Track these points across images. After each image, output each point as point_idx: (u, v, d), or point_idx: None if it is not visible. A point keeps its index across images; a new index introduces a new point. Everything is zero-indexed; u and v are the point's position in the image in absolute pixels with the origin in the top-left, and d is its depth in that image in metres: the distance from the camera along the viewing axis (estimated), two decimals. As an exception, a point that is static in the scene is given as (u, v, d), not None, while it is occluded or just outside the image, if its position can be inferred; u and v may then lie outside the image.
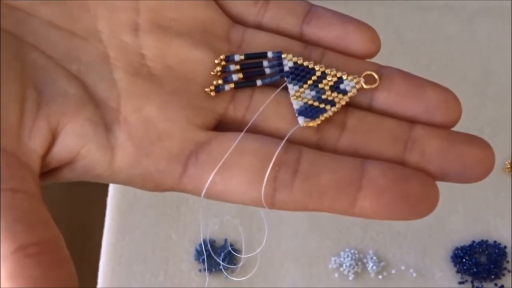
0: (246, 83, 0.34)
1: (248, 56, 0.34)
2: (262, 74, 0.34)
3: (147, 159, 0.31)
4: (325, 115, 0.33)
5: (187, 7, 0.35)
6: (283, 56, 0.34)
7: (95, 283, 0.51)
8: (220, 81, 0.34)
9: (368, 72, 0.33)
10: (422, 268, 0.52)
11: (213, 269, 0.50)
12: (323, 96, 0.34)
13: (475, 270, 0.52)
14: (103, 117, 0.31)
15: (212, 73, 0.34)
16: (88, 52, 0.32)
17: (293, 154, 0.32)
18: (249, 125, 0.33)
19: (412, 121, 0.32)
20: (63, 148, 0.30)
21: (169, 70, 0.33)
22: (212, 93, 0.34)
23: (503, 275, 0.53)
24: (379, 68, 0.34)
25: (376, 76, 0.34)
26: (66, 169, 0.31)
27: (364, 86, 0.34)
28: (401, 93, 0.33)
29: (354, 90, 0.34)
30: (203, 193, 0.32)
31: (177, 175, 0.32)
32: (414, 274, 0.52)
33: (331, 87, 0.34)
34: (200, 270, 0.50)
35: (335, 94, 0.34)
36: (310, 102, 0.34)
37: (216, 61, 0.34)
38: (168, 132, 0.32)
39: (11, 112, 0.29)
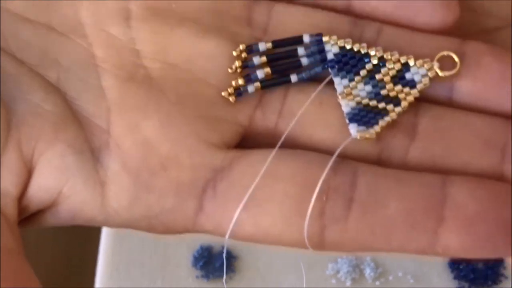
0: (277, 80, 0.26)
1: (277, 44, 0.26)
2: (297, 67, 0.27)
3: (149, 195, 0.25)
4: (387, 119, 0.25)
5: None
6: (324, 39, 0.26)
7: (92, 282, 0.51)
8: (241, 81, 0.26)
9: (445, 53, 0.26)
10: (419, 275, 0.51)
11: (211, 275, 0.49)
12: (383, 92, 0.26)
13: (472, 276, 0.51)
14: (88, 141, 0.26)
15: (229, 70, 0.27)
16: (69, 53, 0.27)
17: (345, 176, 0.25)
18: (283, 138, 0.26)
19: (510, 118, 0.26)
20: (41, 187, 0.25)
21: (172, 70, 0.27)
22: (231, 98, 0.26)
23: (500, 281, 0.51)
24: (459, 46, 0.26)
25: (456, 58, 0.26)
26: (49, 213, 0.26)
27: (440, 74, 0.26)
28: (493, 80, 0.26)
29: (426, 80, 0.26)
30: (227, 236, 0.25)
31: (191, 213, 0.26)
32: (412, 281, 0.51)
33: (393, 78, 0.26)
34: (197, 277, 0.49)
35: (399, 87, 0.26)
36: (365, 101, 0.26)
37: (235, 53, 0.27)
38: (174, 157, 0.26)
39: None
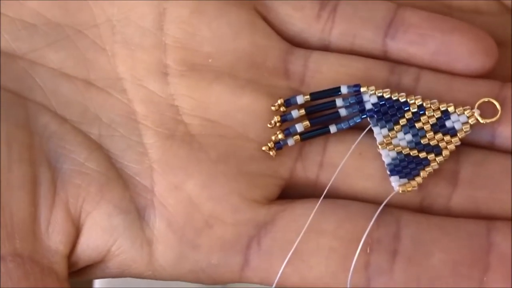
0: (316, 131, 0.26)
1: (314, 96, 0.26)
2: (336, 118, 0.26)
3: (195, 252, 0.26)
4: (428, 169, 0.25)
5: (227, 35, 0.27)
6: (362, 90, 0.26)
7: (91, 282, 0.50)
8: (280, 135, 0.26)
9: (485, 99, 0.26)
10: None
11: None
12: (423, 141, 0.25)
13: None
14: (134, 200, 0.26)
15: (269, 125, 0.26)
16: (109, 108, 0.27)
17: (389, 228, 0.25)
18: (325, 191, 0.25)
19: None
20: (90, 245, 0.26)
21: (212, 127, 0.26)
22: (272, 153, 0.26)
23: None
24: (499, 89, 0.26)
25: (497, 105, 0.25)
26: (98, 268, 0.26)
27: (481, 121, 0.25)
28: None
29: (467, 128, 0.25)
30: (273, 286, 0.25)
31: (237, 268, 0.26)
32: None
33: (433, 126, 0.25)
34: None
35: (439, 136, 0.25)
36: (406, 151, 0.25)
37: (273, 108, 0.26)
38: (218, 215, 0.26)
39: (21, 203, 0.25)
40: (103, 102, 0.26)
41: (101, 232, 0.25)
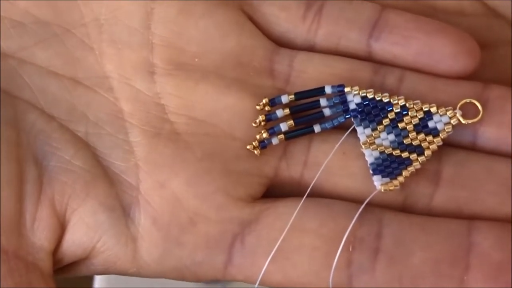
0: (300, 131, 0.26)
1: (299, 96, 0.26)
2: (320, 117, 0.26)
3: (179, 249, 0.26)
4: (410, 169, 0.25)
5: (214, 35, 0.27)
6: (346, 90, 0.26)
7: (91, 282, 0.50)
8: (265, 134, 0.26)
9: (467, 100, 0.26)
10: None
11: None
12: (406, 141, 0.26)
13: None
14: (119, 198, 0.26)
15: (254, 124, 0.26)
16: (96, 107, 0.27)
17: (371, 226, 0.25)
18: (308, 190, 0.26)
19: None
20: (75, 242, 0.26)
21: (197, 125, 0.27)
22: (256, 151, 0.26)
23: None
24: (482, 91, 0.26)
25: (479, 106, 0.25)
26: (83, 265, 0.26)
27: (463, 122, 0.25)
28: None
29: (449, 128, 0.25)
30: (257, 285, 0.26)
31: (220, 266, 0.26)
32: None
33: (416, 126, 0.26)
34: None
35: (422, 136, 0.25)
36: (389, 150, 0.25)
37: (258, 107, 0.27)
38: (202, 212, 0.26)
39: (7, 200, 0.25)
40: (90, 100, 0.26)
41: (86, 228, 0.25)
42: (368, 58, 0.27)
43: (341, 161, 0.26)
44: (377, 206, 0.25)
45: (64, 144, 0.26)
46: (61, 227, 0.25)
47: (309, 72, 0.27)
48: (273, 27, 0.28)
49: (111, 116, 0.26)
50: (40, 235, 0.25)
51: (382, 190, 0.24)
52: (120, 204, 0.26)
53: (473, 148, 0.26)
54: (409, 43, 0.26)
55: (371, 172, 0.25)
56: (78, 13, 0.27)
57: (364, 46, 0.27)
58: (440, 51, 0.26)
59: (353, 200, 0.25)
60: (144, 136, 0.26)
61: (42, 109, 0.26)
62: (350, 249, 0.24)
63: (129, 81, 0.27)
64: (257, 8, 0.28)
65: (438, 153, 0.25)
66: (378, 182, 0.24)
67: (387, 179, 0.24)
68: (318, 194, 0.26)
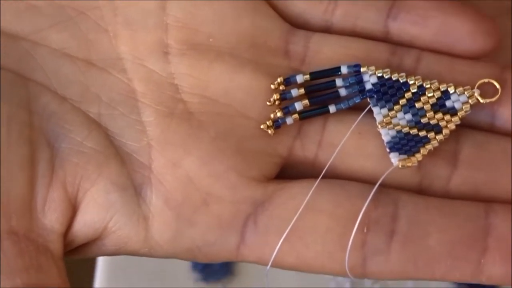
0: (315, 111, 0.26)
1: (314, 75, 0.26)
2: (336, 97, 0.26)
3: (191, 230, 0.25)
4: (429, 147, 0.24)
5: (229, 16, 0.27)
6: (362, 69, 0.26)
7: (91, 282, 0.50)
8: (279, 113, 0.26)
9: (486, 80, 0.25)
10: (419, 278, 0.51)
11: (210, 278, 0.48)
12: (423, 120, 0.25)
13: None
14: (131, 178, 0.26)
15: (268, 103, 0.26)
16: (109, 88, 0.26)
17: (386, 208, 0.24)
18: (324, 171, 0.25)
19: None
20: (86, 223, 0.25)
21: (211, 105, 0.26)
22: (270, 131, 0.26)
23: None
24: (500, 72, 0.26)
25: (497, 85, 0.25)
26: (94, 246, 0.26)
27: (481, 101, 0.25)
28: None
29: (467, 107, 0.25)
30: (268, 267, 0.25)
31: (233, 246, 0.25)
32: (411, 284, 0.49)
33: (433, 105, 0.25)
34: (196, 279, 0.48)
35: (439, 115, 0.25)
36: (406, 129, 0.25)
37: (272, 86, 0.26)
38: (215, 192, 0.25)
39: (19, 182, 0.24)
40: (103, 82, 0.26)
41: (98, 208, 0.25)
42: (385, 39, 0.27)
43: (357, 141, 0.25)
44: (393, 187, 0.25)
45: (77, 126, 0.26)
46: (73, 209, 0.25)
47: (324, 52, 0.26)
48: (289, 7, 0.27)
49: (124, 96, 0.26)
50: (51, 217, 0.25)
51: (400, 166, 0.24)
52: (132, 183, 0.25)
53: (491, 130, 0.25)
54: (427, 22, 0.26)
55: (387, 150, 0.24)
56: None
57: (382, 27, 0.27)
58: (458, 30, 0.26)
59: (369, 181, 0.25)
60: (157, 116, 0.26)
61: (55, 91, 0.26)
62: (365, 231, 0.24)
63: (143, 62, 0.26)
64: None
65: (456, 134, 0.25)
66: (395, 158, 0.24)
67: (405, 156, 0.24)
68: (333, 175, 0.25)
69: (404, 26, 0.26)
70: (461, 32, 0.26)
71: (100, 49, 0.27)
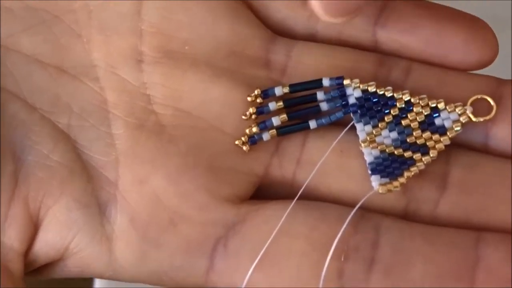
0: (294, 126, 0.24)
1: (294, 88, 0.24)
2: (317, 112, 0.24)
3: (157, 252, 0.24)
4: (413, 169, 0.22)
5: (206, 21, 0.25)
6: (345, 82, 0.24)
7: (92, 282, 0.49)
8: (255, 128, 0.24)
9: (479, 96, 0.23)
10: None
11: None
12: (409, 139, 0.23)
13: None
14: (96, 195, 0.24)
15: (243, 116, 0.25)
16: (81, 97, 0.25)
17: (367, 234, 0.23)
18: (301, 191, 0.23)
19: None
20: (48, 242, 0.24)
21: (184, 118, 0.25)
22: (245, 147, 0.24)
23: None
24: (496, 87, 0.24)
25: (492, 102, 0.23)
26: (57, 267, 0.25)
27: (474, 119, 0.23)
28: None
29: (458, 126, 0.23)
30: None
31: (201, 271, 0.24)
32: None
33: (421, 123, 0.23)
34: None
35: (427, 134, 0.23)
36: (390, 150, 0.23)
37: (249, 99, 0.24)
38: (184, 212, 0.24)
39: None
40: (75, 90, 0.25)
41: (60, 227, 0.24)
42: (373, 48, 0.25)
43: (338, 161, 0.24)
44: (376, 212, 0.23)
45: (44, 137, 0.24)
46: (34, 227, 0.24)
47: (307, 63, 0.25)
48: (272, 13, 0.26)
49: (95, 107, 0.25)
50: (11, 234, 0.23)
51: (380, 191, 0.22)
52: (96, 201, 0.24)
53: (485, 150, 0.23)
54: (418, 30, 0.24)
55: (369, 172, 0.23)
56: None
57: (370, 35, 0.25)
58: (451, 39, 0.24)
59: (350, 204, 0.23)
60: (127, 128, 0.24)
61: (24, 99, 0.25)
62: (342, 259, 0.22)
63: (116, 70, 0.25)
64: None
65: (445, 155, 0.23)
66: (376, 182, 0.22)
67: (387, 180, 0.22)
68: (312, 196, 0.24)
69: (393, 34, 0.25)
70: (454, 42, 0.24)
71: (73, 55, 0.25)
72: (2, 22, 0.25)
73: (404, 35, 0.24)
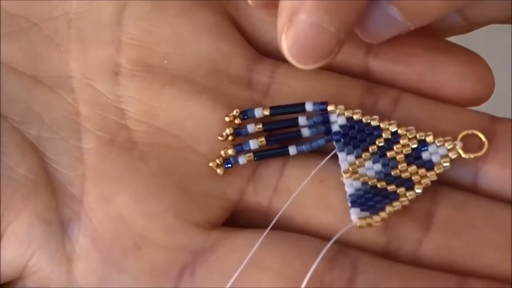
0: (273, 151, 0.23)
1: (275, 111, 0.23)
2: (298, 138, 0.23)
3: (119, 276, 0.22)
4: (396, 205, 0.21)
5: (188, 36, 0.24)
6: (329, 108, 0.22)
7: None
8: (231, 151, 0.23)
9: (470, 132, 0.22)
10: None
11: None
12: (394, 172, 0.22)
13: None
14: (59, 211, 0.23)
15: (220, 137, 0.23)
16: (53, 109, 0.24)
17: (343, 271, 0.21)
18: (274, 220, 0.22)
19: None
20: (6, 259, 0.23)
21: (158, 135, 0.23)
22: (219, 170, 0.23)
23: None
24: (489, 123, 0.22)
25: (483, 138, 0.22)
26: (17, 286, 0.23)
27: (463, 155, 0.22)
28: None
29: (446, 162, 0.22)
30: None
31: None
32: None
33: (407, 156, 0.22)
34: None
35: (413, 168, 0.22)
36: (373, 182, 0.22)
37: (227, 119, 0.23)
38: (149, 235, 0.22)
39: None
40: (48, 101, 0.24)
41: (19, 244, 0.22)
42: (364, 76, 0.24)
43: (317, 191, 0.22)
44: (355, 248, 0.22)
45: (11, 149, 0.23)
46: None
47: (291, 85, 0.24)
48: (259, 33, 0.25)
49: (67, 119, 0.24)
50: None
51: (358, 225, 0.20)
52: (59, 218, 0.23)
53: (474, 190, 0.22)
54: (412, 61, 0.23)
55: (349, 204, 0.21)
56: (48, 5, 0.24)
57: (360, 61, 0.24)
58: (446, 72, 0.22)
59: (327, 237, 0.21)
60: (97, 143, 0.23)
61: None
62: None
63: (91, 82, 0.24)
64: (243, 11, 0.25)
65: (432, 192, 0.22)
66: (355, 215, 0.21)
67: (367, 213, 0.20)
68: (287, 227, 0.22)
69: (386, 63, 0.23)
70: (449, 75, 0.23)
71: (49, 65, 0.24)
72: None
73: (397, 65, 0.23)
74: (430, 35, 0.23)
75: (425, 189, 0.21)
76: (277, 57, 0.24)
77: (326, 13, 0.20)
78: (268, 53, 0.25)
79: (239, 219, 0.23)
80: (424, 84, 0.23)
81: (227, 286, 0.21)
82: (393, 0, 0.21)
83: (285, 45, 0.21)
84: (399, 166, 0.22)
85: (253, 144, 0.22)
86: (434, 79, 0.23)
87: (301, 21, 0.20)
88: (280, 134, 0.23)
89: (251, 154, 0.23)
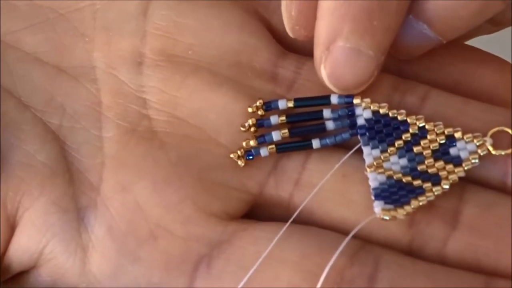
0: (296, 144, 0.22)
1: (299, 103, 0.22)
2: (321, 131, 0.22)
3: (134, 266, 0.22)
4: (422, 199, 0.20)
5: (214, 28, 0.24)
6: (355, 101, 0.22)
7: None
8: (253, 142, 0.22)
9: (501, 128, 0.21)
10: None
11: None
12: (420, 168, 0.21)
13: None
14: (76, 199, 0.23)
15: (242, 128, 0.23)
16: (75, 98, 0.24)
17: (365, 267, 0.20)
18: (295, 214, 0.21)
19: None
20: (21, 246, 0.23)
21: (179, 125, 0.23)
22: (240, 162, 0.22)
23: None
24: None
25: (514, 135, 0.21)
26: (31, 275, 0.23)
27: (493, 152, 0.21)
28: None
29: (475, 158, 0.21)
30: None
31: None
32: None
33: (434, 152, 0.21)
34: None
35: (440, 163, 0.21)
36: (398, 176, 0.21)
37: (250, 109, 0.23)
38: (166, 225, 0.22)
39: None
40: (70, 91, 0.24)
41: (35, 230, 0.22)
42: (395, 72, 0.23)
43: (340, 185, 0.22)
44: (377, 244, 0.21)
45: (32, 137, 0.23)
46: (10, 229, 0.22)
47: (316, 81, 0.23)
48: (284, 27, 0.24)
49: (89, 108, 0.24)
50: None
51: (382, 216, 0.20)
52: (75, 206, 0.22)
53: (503, 188, 0.21)
54: (446, 70, 0.23)
55: (373, 197, 0.20)
56: None
57: (394, 68, 0.23)
58: (479, 81, 0.23)
59: (348, 233, 0.21)
60: (118, 132, 0.23)
61: (19, 97, 0.24)
62: None
63: (114, 71, 0.24)
64: (273, 11, 0.25)
65: (459, 190, 0.21)
66: (378, 207, 0.20)
67: (391, 206, 0.20)
68: (308, 221, 0.22)
69: (419, 72, 0.23)
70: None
71: (74, 55, 0.24)
72: (6, 19, 0.24)
73: (430, 74, 0.23)
74: (465, 44, 0.23)
75: (452, 187, 0.21)
76: (303, 53, 0.24)
77: (364, 38, 0.21)
78: (294, 49, 0.24)
79: (259, 213, 0.23)
80: (459, 92, 0.23)
81: (245, 278, 0.20)
82: (422, 17, 0.21)
83: (324, 73, 0.21)
84: (426, 162, 0.21)
85: (276, 135, 0.22)
86: (469, 88, 0.23)
87: (339, 48, 0.21)
88: (304, 127, 0.22)
89: (273, 146, 0.22)
